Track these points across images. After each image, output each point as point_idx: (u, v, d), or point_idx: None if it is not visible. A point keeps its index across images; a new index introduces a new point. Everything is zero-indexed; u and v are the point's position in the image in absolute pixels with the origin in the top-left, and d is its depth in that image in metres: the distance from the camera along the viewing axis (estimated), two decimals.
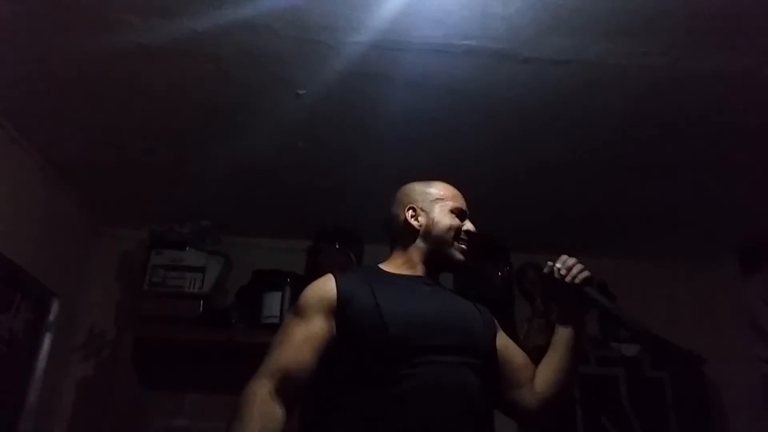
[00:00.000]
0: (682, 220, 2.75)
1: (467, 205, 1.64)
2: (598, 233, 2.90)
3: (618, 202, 2.64)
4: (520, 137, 2.21)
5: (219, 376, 2.63)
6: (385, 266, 1.59)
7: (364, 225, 2.80)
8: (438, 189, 1.63)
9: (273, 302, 2.58)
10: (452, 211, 1.58)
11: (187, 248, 2.62)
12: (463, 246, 1.57)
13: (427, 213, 1.58)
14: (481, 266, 2.91)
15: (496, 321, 1.61)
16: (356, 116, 2.11)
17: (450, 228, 1.56)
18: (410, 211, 1.59)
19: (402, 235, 1.60)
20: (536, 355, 2.62)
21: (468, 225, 1.59)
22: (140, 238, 2.79)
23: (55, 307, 2.52)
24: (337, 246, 2.79)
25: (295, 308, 1.45)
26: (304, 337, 1.37)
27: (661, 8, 1.63)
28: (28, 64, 1.89)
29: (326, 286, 1.44)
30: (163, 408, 2.64)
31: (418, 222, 1.58)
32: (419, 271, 1.55)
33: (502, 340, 1.57)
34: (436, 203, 1.59)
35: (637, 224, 2.82)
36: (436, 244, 1.56)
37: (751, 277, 2.95)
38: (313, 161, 2.39)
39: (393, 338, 1.34)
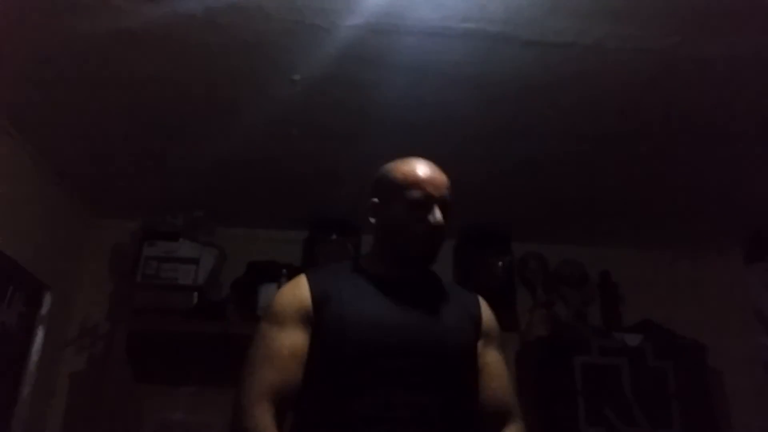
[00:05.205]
0: (685, 208, 2.72)
1: (449, 187, 1.42)
2: (601, 222, 2.87)
3: (620, 190, 2.61)
4: (520, 122, 2.17)
5: (214, 369, 2.61)
6: (364, 261, 1.49)
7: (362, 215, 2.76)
8: (398, 174, 1.42)
9: (269, 294, 2.53)
10: (411, 203, 1.37)
11: (180, 239, 2.59)
12: (424, 241, 1.38)
13: (384, 207, 1.42)
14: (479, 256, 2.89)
15: (489, 329, 1.47)
16: (352, 102, 2.07)
17: (403, 226, 1.38)
18: (370, 208, 1.46)
19: (373, 230, 1.48)
20: (538, 346, 2.64)
21: (433, 216, 1.37)
22: (132, 230, 2.77)
23: (47, 300, 2.50)
24: (334, 237, 2.76)
25: (268, 316, 1.37)
26: (289, 352, 1.31)
27: None
28: (16, 54, 1.84)
29: (300, 292, 1.37)
30: (157, 401, 2.62)
31: (377, 218, 1.44)
32: (394, 269, 1.42)
33: (487, 358, 1.44)
34: (394, 194, 1.40)
35: (639, 212, 2.79)
36: (394, 244, 1.41)
37: (755, 266, 2.95)
38: (309, 148, 2.35)
39: (348, 357, 1.29)
